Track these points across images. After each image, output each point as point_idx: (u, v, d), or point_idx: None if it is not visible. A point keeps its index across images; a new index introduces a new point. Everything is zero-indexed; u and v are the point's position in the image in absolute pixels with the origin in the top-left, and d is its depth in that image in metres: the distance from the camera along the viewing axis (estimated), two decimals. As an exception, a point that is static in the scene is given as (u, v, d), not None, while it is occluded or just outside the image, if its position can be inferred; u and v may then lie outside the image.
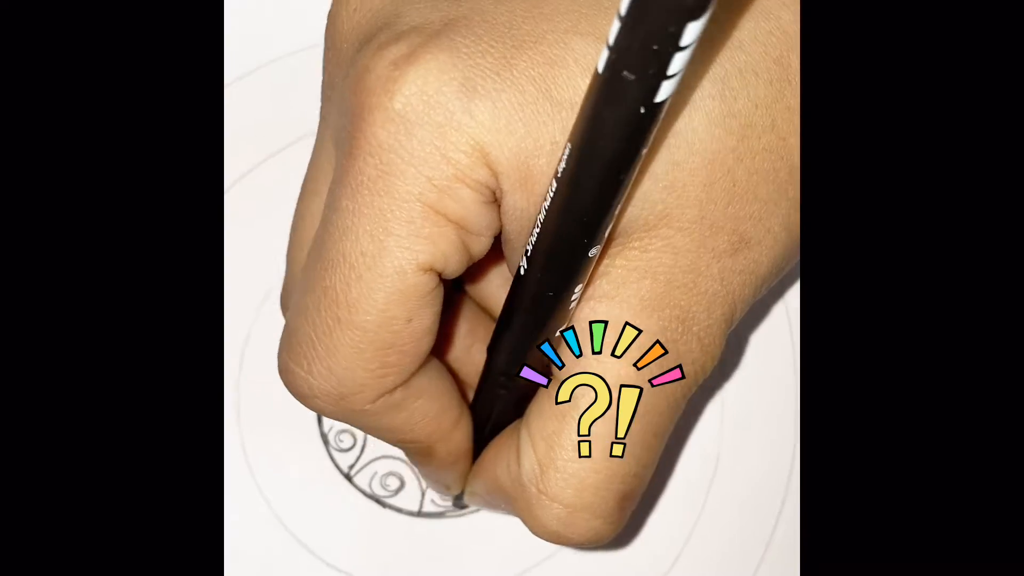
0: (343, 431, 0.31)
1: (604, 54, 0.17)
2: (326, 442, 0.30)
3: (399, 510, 0.30)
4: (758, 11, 0.23)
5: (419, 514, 0.31)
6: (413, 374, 0.24)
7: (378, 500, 0.30)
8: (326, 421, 0.31)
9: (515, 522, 0.31)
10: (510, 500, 0.25)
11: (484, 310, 0.29)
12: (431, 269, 0.22)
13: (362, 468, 0.30)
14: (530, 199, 0.22)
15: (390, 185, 0.21)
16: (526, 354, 0.24)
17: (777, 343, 0.32)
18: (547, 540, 0.24)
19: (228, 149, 0.31)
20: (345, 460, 0.30)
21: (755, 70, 0.22)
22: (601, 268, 0.23)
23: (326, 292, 0.22)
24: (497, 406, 0.26)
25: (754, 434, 0.32)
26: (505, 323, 0.24)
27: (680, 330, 0.23)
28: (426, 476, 0.29)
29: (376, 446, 0.31)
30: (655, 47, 0.16)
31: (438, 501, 0.31)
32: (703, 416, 0.32)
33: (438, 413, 0.25)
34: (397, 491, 0.30)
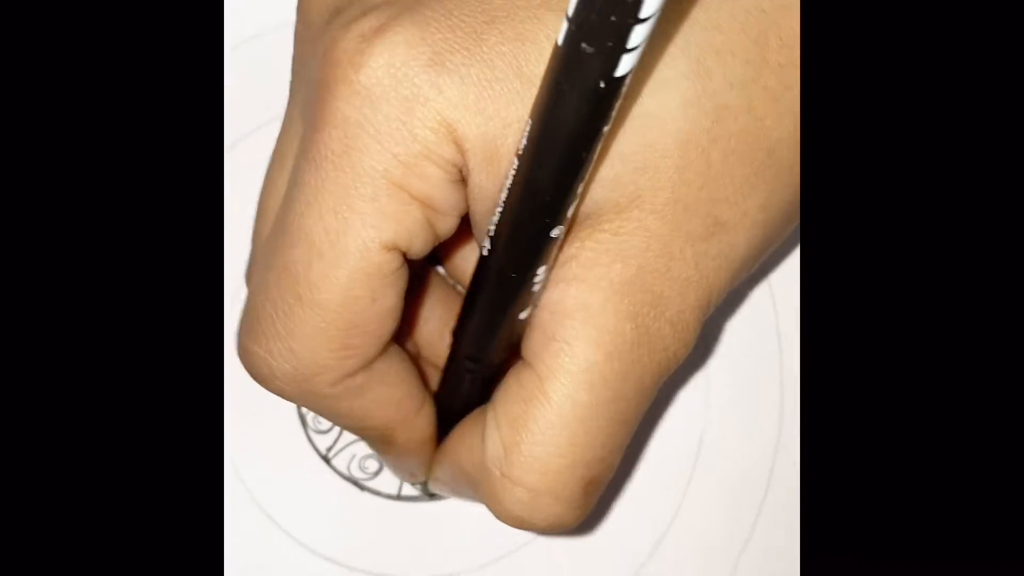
0: None
1: (563, 26, 0.17)
2: (304, 423, 0.30)
3: (377, 493, 0.30)
4: None
5: (398, 497, 0.30)
6: (375, 358, 0.23)
7: (356, 483, 0.30)
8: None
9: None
10: (474, 484, 0.24)
11: (460, 291, 0.28)
12: (395, 248, 0.22)
13: (340, 450, 0.30)
14: (496, 178, 0.21)
15: (355, 160, 0.21)
16: (490, 337, 0.24)
17: (761, 325, 0.32)
18: (510, 525, 0.24)
19: (228, 116, 0.31)
20: (323, 442, 0.30)
21: (732, 50, 0.22)
22: (572, 250, 0.22)
23: (287, 269, 0.22)
24: (462, 391, 0.26)
25: (737, 419, 0.31)
26: (469, 306, 0.24)
27: (652, 315, 0.22)
28: (389, 464, 0.28)
29: (355, 428, 0.31)
30: (613, 18, 0.16)
31: (418, 485, 0.30)
32: (686, 400, 0.32)
33: (400, 399, 0.25)
34: (376, 474, 0.30)
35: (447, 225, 0.22)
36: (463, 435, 0.25)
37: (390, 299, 0.22)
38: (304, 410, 0.30)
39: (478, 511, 0.31)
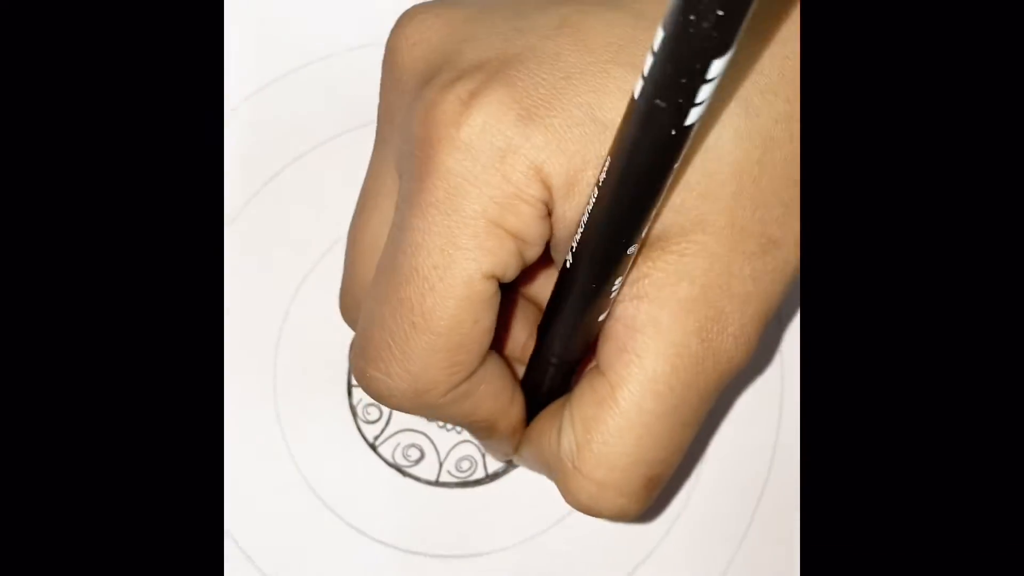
0: (370, 404, 0.33)
1: (639, 83, 0.19)
2: (355, 414, 0.33)
3: (418, 479, 0.33)
4: (775, 40, 0.25)
5: (436, 483, 0.33)
6: (478, 367, 0.26)
7: (399, 469, 0.33)
8: (355, 394, 0.33)
9: (521, 493, 0.34)
10: (550, 471, 0.28)
11: (531, 302, 0.31)
12: (493, 276, 0.25)
13: (386, 439, 0.33)
14: (577, 207, 0.24)
15: (458, 205, 0.24)
16: (571, 337, 0.27)
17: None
18: (579, 511, 0.27)
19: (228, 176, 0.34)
20: (371, 431, 0.33)
21: (774, 91, 0.25)
22: (644, 269, 0.25)
23: (402, 303, 0.25)
24: (546, 382, 0.29)
25: (737, 418, 0.35)
26: (553, 310, 0.27)
27: (716, 329, 0.25)
28: (487, 448, 0.32)
29: (400, 420, 0.33)
30: (683, 80, 0.18)
31: (454, 472, 0.33)
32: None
33: (497, 394, 0.27)
34: (417, 461, 0.33)
35: (534, 252, 0.25)
36: (544, 427, 0.28)
37: (489, 319, 0.25)
38: (355, 401, 0.33)
39: (506, 498, 0.34)
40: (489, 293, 0.25)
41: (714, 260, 0.25)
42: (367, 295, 0.27)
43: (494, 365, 0.27)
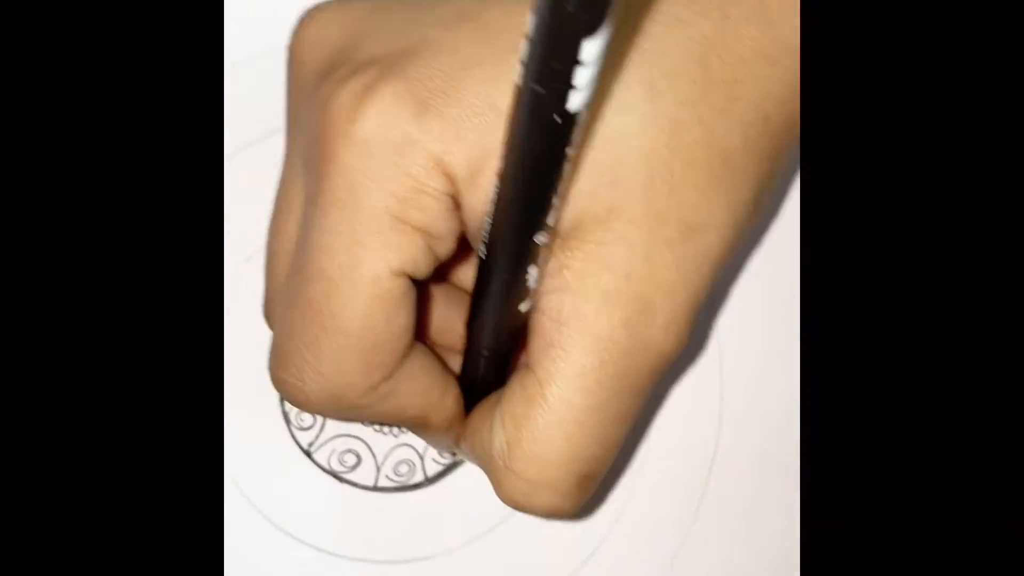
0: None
1: (518, 69, 0.19)
2: (288, 421, 0.33)
3: (355, 484, 0.33)
4: (676, 21, 0.25)
5: (375, 488, 0.33)
6: (397, 365, 0.25)
7: (336, 475, 0.33)
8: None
9: (462, 496, 0.33)
10: (484, 470, 0.27)
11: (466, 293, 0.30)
12: (403, 273, 0.24)
13: (321, 446, 0.33)
14: (482, 197, 0.24)
15: (358, 201, 0.23)
16: (496, 329, 0.26)
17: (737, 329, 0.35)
18: (513, 508, 0.26)
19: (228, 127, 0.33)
20: (305, 438, 0.33)
21: (678, 72, 0.25)
22: (563, 259, 0.24)
23: (310, 304, 0.24)
24: (480, 374, 0.28)
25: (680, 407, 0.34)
26: (475, 304, 0.26)
27: (644, 321, 0.24)
28: (428, 442, 0.31)
29: (334, 425, 0.33)
30: (556, 64, 0.18)
31: (392, 477, 0.33)
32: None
33: (425, 391, 0.27)
34: (354, 467, 0.33)
35: (446, 247, 0.25)
36: (478, 424, 0.27)
37: (403, 318, 0.25)
38: (287, 408, 0.33)
39: (444, 502, 0.33)
40: (400, 291, 0.24)
41: (633, 248, 0.24)
42: (279, 299, 0.26)
43: (419, 361, 0.27)
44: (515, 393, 0.26)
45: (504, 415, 0.26)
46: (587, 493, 0.26)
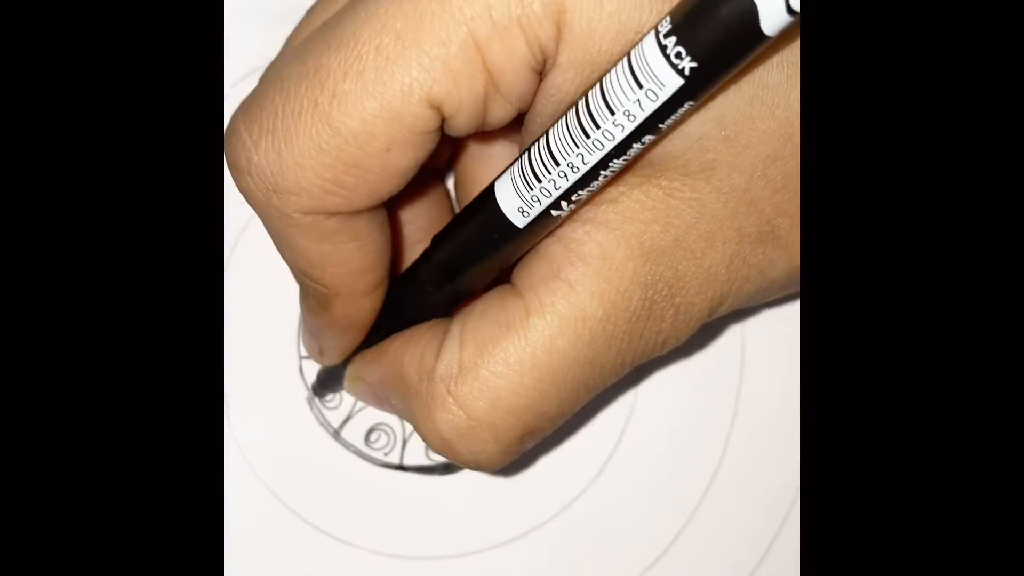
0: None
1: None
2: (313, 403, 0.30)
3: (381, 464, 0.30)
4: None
5: (399, 467, 0.30)
6: (359, 212, 0.21)
7: (362, 455, 0.30)
8: (310, 377, 0.30)
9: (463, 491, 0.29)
10: (408, 395, 0.23)
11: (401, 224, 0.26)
12: (438, 108, 0.20)
13: (349, 420, 0.29)
14: (577, 85, 0.20)
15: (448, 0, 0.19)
16: (470, 259, 0.23)
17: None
18: (434, 448, 0.22)
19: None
20: (335, 417, 0.30)
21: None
22: (614, 192, 0.21)
23: (318, 69, 0.20)
24: (417, 301, 0.24)
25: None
26: (461, 220, 0.22)
27: (665, 293, 0.21)
28: (308, 330, 0.26)
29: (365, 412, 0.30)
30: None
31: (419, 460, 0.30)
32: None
33: (359, 269, 0.22)
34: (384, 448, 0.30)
35: (500, 114, 0.20)
36: (414, 341, 0.23)
37: (405, 159, 0.20)
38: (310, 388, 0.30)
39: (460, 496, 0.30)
40: (422, 127, 0.20)
41: (703, 219, 0.21)
42: (284, 54, 0.21)
43: (376, 230, 0.22)
44: (489, 313, 0.22)
45: (465, 334, 0.22)
46: (520, 450, 0.23)
